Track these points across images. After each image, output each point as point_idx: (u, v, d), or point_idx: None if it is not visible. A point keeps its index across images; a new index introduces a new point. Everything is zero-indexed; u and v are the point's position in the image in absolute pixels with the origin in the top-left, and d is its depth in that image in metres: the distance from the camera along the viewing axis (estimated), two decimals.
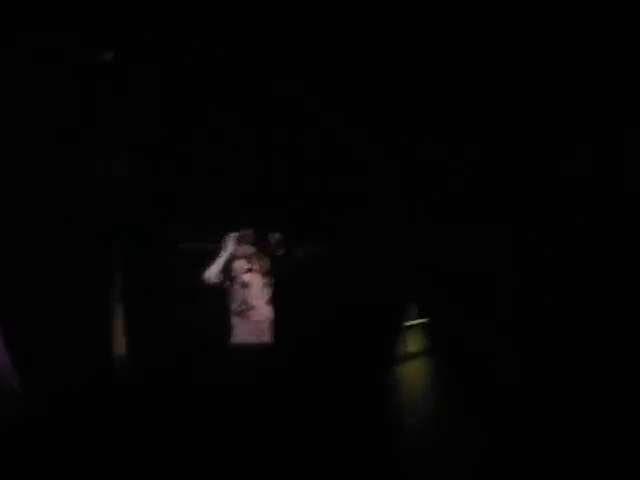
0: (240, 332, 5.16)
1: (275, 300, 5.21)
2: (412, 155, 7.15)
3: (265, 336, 5.16)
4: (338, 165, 7.18)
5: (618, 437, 5.21)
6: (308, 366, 6.16)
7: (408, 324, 7.48)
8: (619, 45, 6.41)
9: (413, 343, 7.41)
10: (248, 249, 5.25)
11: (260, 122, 6.93)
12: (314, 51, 6.83)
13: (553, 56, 6.71)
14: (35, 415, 5.80)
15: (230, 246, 5.20)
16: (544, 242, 6.87)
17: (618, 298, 6.56)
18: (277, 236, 5.29)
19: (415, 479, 4.93)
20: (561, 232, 6.81)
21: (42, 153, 6.37)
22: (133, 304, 6.69)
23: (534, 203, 6.90)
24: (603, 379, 6.10)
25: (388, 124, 7.13)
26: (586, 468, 4.82)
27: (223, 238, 5.22)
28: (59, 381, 6.18)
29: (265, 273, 5.24)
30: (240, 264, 5.22)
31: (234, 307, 5.19)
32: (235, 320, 5.18)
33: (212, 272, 5.17)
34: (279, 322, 5.18)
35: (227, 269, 5.21)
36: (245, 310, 5.18)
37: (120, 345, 6.63)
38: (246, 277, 5.21)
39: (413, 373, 7.20)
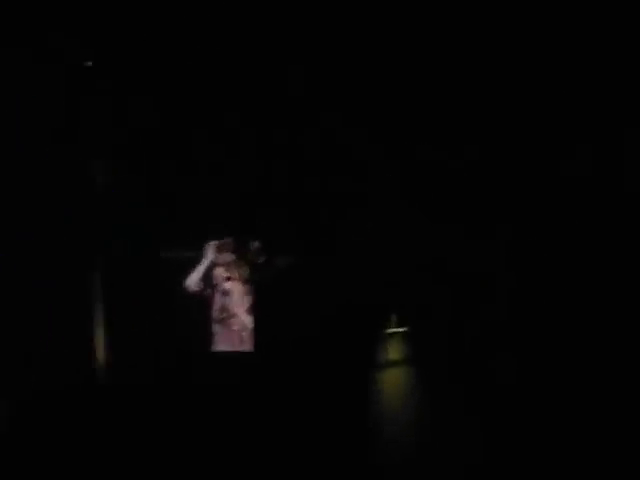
0: (221, 340, 5.17)
1: (256, 308, 5.22)
2: (412, 155, 7.15)
3: (246, 344, 5.17)
4: (338, 165, 7.19)
5: (618, 438, 5.21)
6: (289, 374, 6.18)
7: (389, 332, 7.52)
8: (619, 45, 6.41)
9: (394, 351, 7.45)
10: (228, 257, 5.25)
11: (249, 125, 6.93)
12: (314, 51, 6.83)
13: (553, 56, 6.71)
14: (18, 421, 5.82)
15: (210, 254, 5.20)
16: (544, 242, 6.87)
17: (618, 298, 6.57)
18: (257, 244, 5.30)
19: None
20: (561, 232, 6.82)
21: (24, 157, 6.39)
22: (114, 312, 6.73)
23: (534, 203, 6.90)
24: (603, 380, 6.11)
25: (388, 124, 7.13)
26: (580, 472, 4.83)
27: (204, 246, 5.22)
28: (41, 388, 6.20)
29: (245, 281, 5.24)
30: (220, 272, 5.23)
31: (215, 315, 5.20)
32: (216, 328, 5.19)
33: (192, 280, 5.18)
34: (260, 330, 5.18)
35: (208, 277, 5.21)
36: (226, 318, 5.18)
37: (102, 353, 6.67)
38: (227, 285, 5.21)
39: (393, 380, 7.24)
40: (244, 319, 5.21)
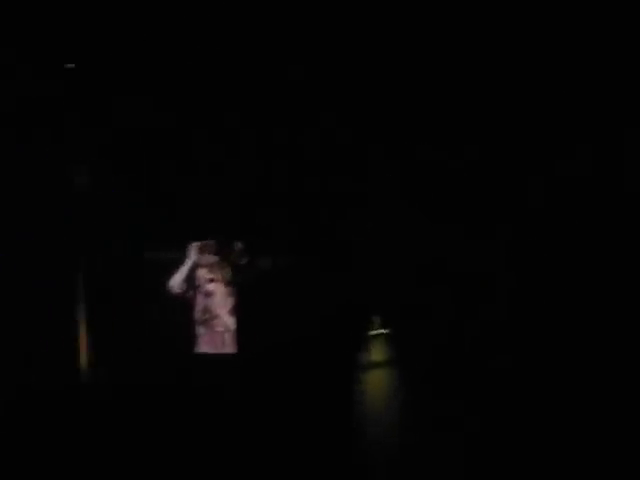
0: (204, 341, 5.17)
1: (238, 309, 5.23)
2: (412, 155, 7.14)
3: (229, 345, 5.18)
4: (338, 165, 7.19)
5: (618, 439, 5.21)
6: (272, 375, 6.17)
7: (372, 334, 7.53)
8: (619, 46, 6.41)
9: (377, 352, 7.46)
10: (211, 258, 5.26)
11: (235, 125, 6.92)
12: (314, 51, 6.83)
13: (553, 56, 6.71)
14: (1, 422, 5.81)
15: (193, 255, 5.21)
16: (544, 242, 6.87)
17: (618, 298, 6.56)
18: (239, 245, 5.30)
19: None
20: (561, 232, 6.82)
21: (4, 161, 6.39)
22: (97, 314, 6.74)
23: (534, 203, 6.89)
24: (603, 381, 6.10)
25: (388, 124, 7.12)
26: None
27: (186, 247, 5.23)
28: (25, 389, 6.20)
29: (228, 282, 5.25)
30: (203, 273, 5.24)
31: (198, 316, 5.21)
32: (199, 329, 5.20)
33: (176, 281, 5.18)
34: (243, 331, 5.19)
35: (190, 278, 5.22)
36: (209, 319, 5.19)
37: (85, 354, 6.68)
38: (209, 286, 5.22)
39: (376, 382, 7.24)
40: (227, 320, 5.21)
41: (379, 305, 7.44)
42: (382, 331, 7.53)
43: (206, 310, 5.19)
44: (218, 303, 5.19)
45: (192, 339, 5.20)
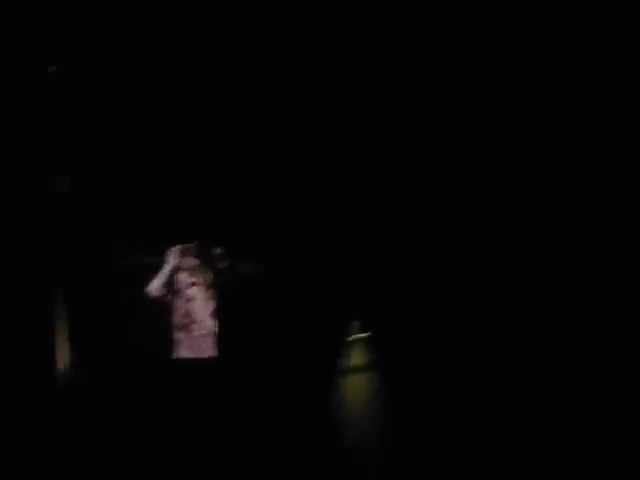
0: (184, 346, 5.16)
1: (219, 313, 5.22)
2: (412, 155, 7.14)
3: (209, 350, 5.17)
4: (338, 165, 7.19)
5: (619, 439, 5.21)
6: (252, 380, 6.16)
7: (352, 338, 7.53)
8: (618, 46, 6.42)
9: (357, 357, 7.46)
10: (192, 262, 5.25)
11: (208, 126, 6.91)
12: (314, 51, 6.83)
13: (553, 56, 6.71)
14: None
15: (173, 259, 5.19)
16: (544, 242, 6.87)
17: (618, 298, 6.56)
18: (220, 249, 5.30)
19: None
20: (561, 232, 6.81)
21: None
22: (76, 319, 6.73)
23: (534, 203, 6.89)
24: (603, 382, 6.10)
25: (388, 124, 7.12)
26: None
27: (166, 251, 5.22)
28: (2, 396, 6.18)
29: (209, 286, 5.24)
30: (184, 277, 5.22)
31: (177, 321, 5.19)
32: (178, 334, 5.18)
33: (155, 285, 5.16)
34: (223, 336, 5.18)
35: (170, 282, 5.20)
36: (189, 323, 5.17)
37: (64, 360, 6.67)
38: (190, 291, 5.21)
39: (356, 386, 7.25)
40: (208, 324, 5.20)
41: (359, 309, 7.42)
42: (362, 335, 7.53)
43: (187, 314, 5.17)
44: (199, 307, 5.17)
45: (172, 344, 5.19)
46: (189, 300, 5.21)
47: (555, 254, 6.83)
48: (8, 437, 5.70)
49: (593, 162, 6.70)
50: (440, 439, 5.52)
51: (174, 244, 5.26)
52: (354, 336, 7.53)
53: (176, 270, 5.21)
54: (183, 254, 5.25)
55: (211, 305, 5.23)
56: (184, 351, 5.15)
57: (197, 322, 5.18)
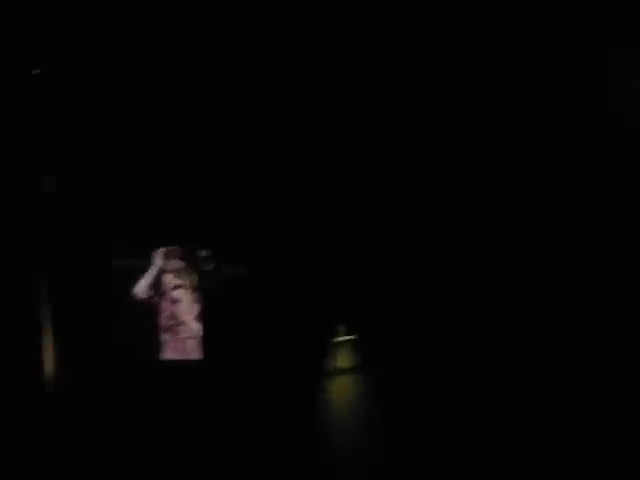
0: (170, 348, 5.16)
1: (204, 316, 5.21)
2: (412, 155, 7.14)
3: (195, 352, 5.16)
4: (338, 165, 7.18)
5: (619, 439, 5.21)
6: (238, 382, 6.16)
7: (338, 340, 7.52)
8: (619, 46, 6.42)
9: (342, 359, 7.46)
10: (177, 264, 5.25)
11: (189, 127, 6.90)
12: (314, 51, 6.83)
13: (553, 56, 6.71)
14: None
15: (158, 261, 5.19)
16: (543, 243, 6.87)
17: (619, 298, 6.56)
18: (205, 252, 5.29)
19: None
20: (560, 232, 6.81)
21: None
22: (62, 320, 6.68)
23: (534, 203, 6.89)
24: (603, 382, 6.10)
25: (388, 124, 7.12)
26: None
27: (152, 253, 5.21)
28: None
29: (194, 289, 5.24)
30: (170, 279, 5.22)
31: (163, 323, 5.19)
32: (165, 336, 5.17)
33: (141, 287, 5.17)
34: (209, 338, 5.17)
35: (156, 284, 5.20)
36: (174, 325, 5.19)
37: (50, 363, 6.64)
38: (176, 293, 5.21)
39: (342, 388, 7.24)
40: (193, 327, 5.21)
41: (347, 310, 7.41)
42: (348, 337, 7.53)
43: (172, 316, 5.19)
44: (184, 309, 5.20)
45: (157, 346, 5.18)
46: (174, 302, 5.23)
47: (555, 254, 6.83)
48: None
49: (593, 162, 6.71)
50: (440, 439, 5.52)
51: (161, 245, 5.26)
52: (340, 338, 7.53)
53: (162, 272, 5.21)
54: (168, 256, 5.26)
55: (196, 307, 5.23)
56: (170, 353, 5.18)
57: (183, 324, 5.19)
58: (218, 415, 5.21)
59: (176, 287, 5.18)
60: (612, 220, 6.64)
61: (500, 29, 6.68)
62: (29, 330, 6.58)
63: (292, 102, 6.91)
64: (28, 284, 6.62)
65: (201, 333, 5.18)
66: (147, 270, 5.17)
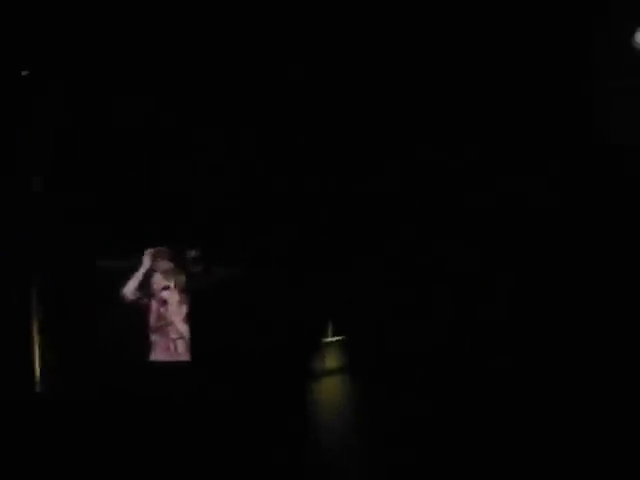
0: (158, 349, 5.17)
1: (192, 317, 5.21)
2: (412, 155, 7.14)
3: (183, 353, 5.18)
4: (338, 165, 7.19)
5: (619, 439, 5.20)
6: (226, 383, 6.16)
7: (326, 341, 7.52)
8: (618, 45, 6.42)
9: (331, 360, 7.45)
10: (166, 265, 5.25)
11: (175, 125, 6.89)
12: (314, 51, 6.83)
13: (553, 56, 6.71)
14: None
15: (147, 262, 5.20)
16: (543, 243, 6.87)
17: (619, 297, 6.56)
18: (194, 253, 5.30)
19: None
20: (560, 232, 6.81)
21: None
22: (51, 322, 6.71)
23: (534, 203, 6.89)
24: (603, 383, 6.10)
25: (388, 124, 7.12)
26: None
27: (140, 254, 5.21)
28: None
29: (183, 290, 5.24)
30: (158, 280, 5.23)
31: (152, 323, 5.20)
32: (154, 337, 5.19)
33: (129, 288, 5.17)
34: (197, 339, 5.18)
35: (145, 285, 5.21)
36: (163, 326, 5.19)
37: (39, 363, 6.66)
38: (164, 294, 5.22)
39: (330, 389, 7.23)
40: (181, 328, 5.22)
41: (343, 311, 7.40)
42: (336, 338, 7.53)
43: (160, 317, 5.19)
44: (172, 310, 5.19)
45: (147, 346, 5.20)
46: (163, 303, 5.23)
47: (555, 254, 6.83)
48: None
49: (593, 162, 6.71)
50: (439, 439, 5.51)
51: (150, 246, 5.27)
52: (328, 339, 7.53)
53: (150, 273, 5.22)
54: (156, 257, 5.26)
55: (184, 309, 5.25)
56: (159, 354, 5.19)
57: (172, 325, 5.20)
58: (207, 416, 5.20)
59: (165, 288, 5.18)
60: (611, 220, 6.64)
61: (500, 31, 6.68)
62: (19, 330, 6.60)
63: (292, 102, 6.91)
64: (19, 285, 6.64)
65: (189, 334, 5.18)
66: (136, 271, 5.18)
